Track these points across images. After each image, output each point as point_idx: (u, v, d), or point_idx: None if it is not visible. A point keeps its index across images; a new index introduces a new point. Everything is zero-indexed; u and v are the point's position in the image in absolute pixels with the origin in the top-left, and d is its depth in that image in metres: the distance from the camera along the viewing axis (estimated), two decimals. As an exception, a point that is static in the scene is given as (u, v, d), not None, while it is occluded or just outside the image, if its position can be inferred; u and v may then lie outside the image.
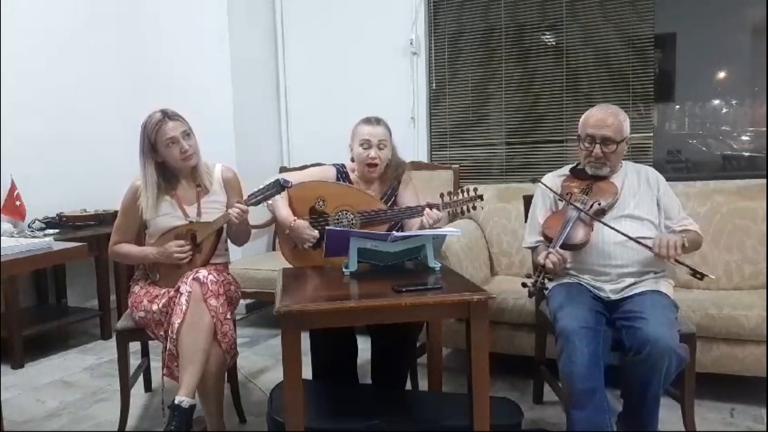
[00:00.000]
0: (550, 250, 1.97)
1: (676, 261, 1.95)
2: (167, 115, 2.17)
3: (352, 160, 2.37)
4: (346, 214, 2.23)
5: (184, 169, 2.24)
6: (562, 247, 2.00)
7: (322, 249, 2.07)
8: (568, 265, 2.09)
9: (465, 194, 2.21)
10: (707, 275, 1.89)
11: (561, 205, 2.19)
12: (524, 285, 1.92)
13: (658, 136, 3.60)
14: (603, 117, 2.11)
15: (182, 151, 2.17)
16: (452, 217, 3.30)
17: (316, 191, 2.26)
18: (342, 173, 2.41)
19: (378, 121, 2.35)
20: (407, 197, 2.37)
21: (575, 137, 2.23)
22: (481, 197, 2.22)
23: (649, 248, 1.97)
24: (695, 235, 2.09)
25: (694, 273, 1.90)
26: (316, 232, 2.20)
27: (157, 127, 2.15)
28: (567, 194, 2.14)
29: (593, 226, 2.05)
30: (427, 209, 2.16)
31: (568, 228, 2.02)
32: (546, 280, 1.94)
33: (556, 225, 2.07)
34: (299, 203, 2.26)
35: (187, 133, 2.19)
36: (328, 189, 2.29)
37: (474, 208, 2.21)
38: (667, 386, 1.89)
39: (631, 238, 2.00)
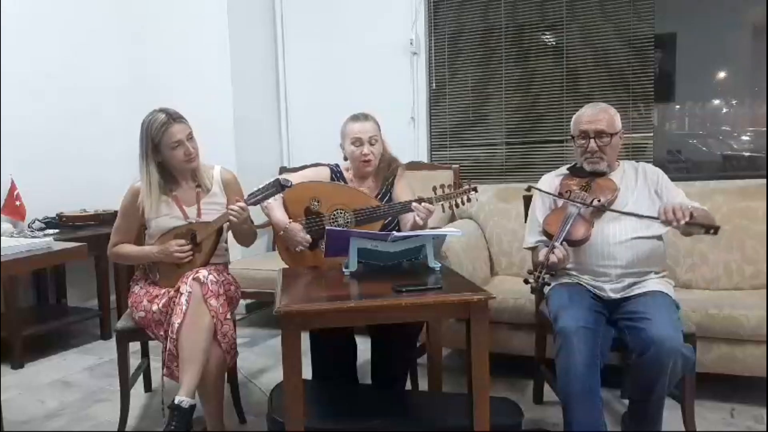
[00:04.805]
0: (555, 244, 1.96)
1: (687, 224, 1.85)
2: (171, 116, 2.15)
3: (345, 159, 2.37)
4: (342, 213, 2.23)
5: (185, 171, 2.24)
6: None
7: (320, 250, 2.06)
8: (569, 265, 2.09)
9: (458, 188, 2.20)
10: (719, 227, 1.83)
11: (561, 203, 2.19)
12: (526, 281, 1.92)
13: (658, 136, 3.60)
14: (594, 113, 2.14)
15: (186, 154, 2.17)
16: (452, 218, 3.35)
17: (310, 192, 2.26)
18: (336, 173, 2.41)
19: (366, 117, 2.35)
20: (402, 193, 2.36)
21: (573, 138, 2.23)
22: (474, 189, 2.21)
23: (655, 218, 1.92)
24: (703, 210, 2.02)
25: (707, 229, 1.83)
26: (308, 237, 2.20)
27: (162, 129, 2.12)
28: (566, 192, 2.14)
29: (593, 223, 2.06)
30: (415, 203, 2.15)
31: (569, 224, 2.01)
32: (548, 276, 1.93)
33: (556, 222, 2.06)
34: (294, 205, 2.26)
35: (191, 136, 2.19)
36: (323, 189, 2.29)
37: (468, 200, 2.21)
38: (672, 387, 1.89)
39: (636, 215, 1.98)
